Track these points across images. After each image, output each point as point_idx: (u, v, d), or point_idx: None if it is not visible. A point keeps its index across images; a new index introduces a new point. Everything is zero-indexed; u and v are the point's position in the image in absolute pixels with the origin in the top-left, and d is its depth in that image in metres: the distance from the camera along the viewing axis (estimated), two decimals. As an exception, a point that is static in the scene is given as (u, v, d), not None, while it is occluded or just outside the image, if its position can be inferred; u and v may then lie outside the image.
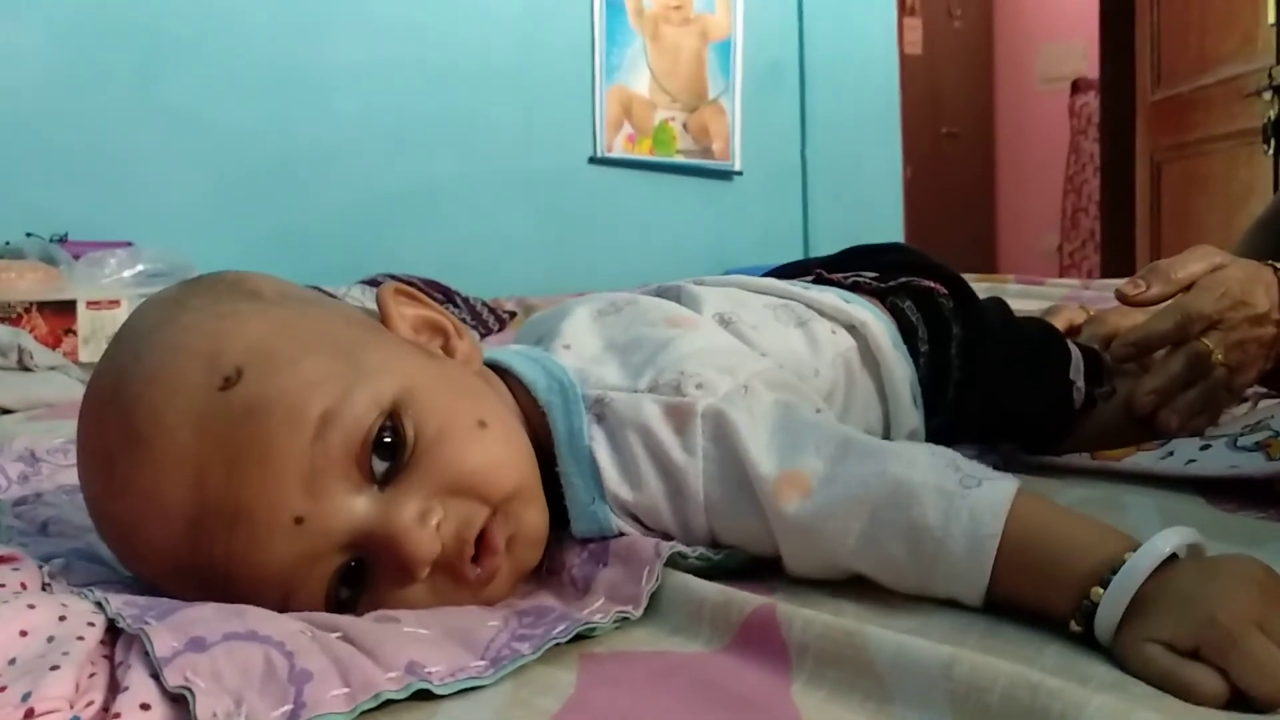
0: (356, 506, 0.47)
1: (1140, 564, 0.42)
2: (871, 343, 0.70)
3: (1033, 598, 0.45)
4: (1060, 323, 0.96)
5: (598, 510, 0.55)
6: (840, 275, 0.78)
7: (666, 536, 0.55)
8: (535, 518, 0.53)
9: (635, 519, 0.56)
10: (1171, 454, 0.71)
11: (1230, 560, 0.43)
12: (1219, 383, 0.80)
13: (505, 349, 0.64)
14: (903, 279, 0.76)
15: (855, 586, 0.51)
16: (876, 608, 0.48)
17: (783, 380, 0.59)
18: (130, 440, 0.47)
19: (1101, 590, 0.42)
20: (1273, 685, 0.38)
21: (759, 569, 0.54)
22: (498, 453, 0.52)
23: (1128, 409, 0.81)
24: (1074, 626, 0.43)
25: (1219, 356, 0.79)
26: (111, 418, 0.48)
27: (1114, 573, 0.42)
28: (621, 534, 0.55)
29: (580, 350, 0.61)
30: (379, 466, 0.48)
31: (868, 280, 0.77)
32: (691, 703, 0.40)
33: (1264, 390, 0.95)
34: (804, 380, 0.63)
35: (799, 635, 0.43)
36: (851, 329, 0.70)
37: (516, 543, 0.52)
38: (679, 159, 3.19)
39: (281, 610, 0.46)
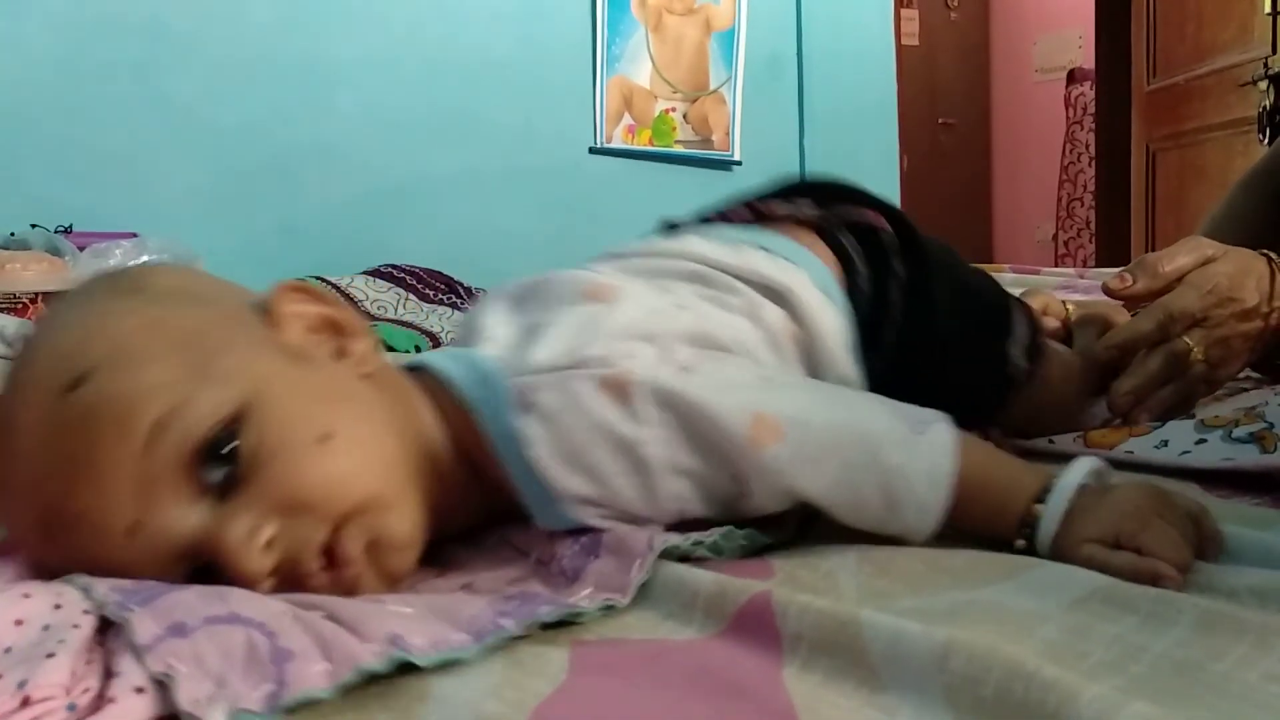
0: (189, 519, 0.47)
1: (1068, 484, 0.52)
2: (799, 309, 0.66)
3: (981, 522, 0.54)
4: (1035, 304, 0.92)
5: (555, 508, 0.54)
6: (775, 203, 0.75)
7: (632, 521, 0.54)
8: (397, 524, 0.51)
9: (597, 507, 0.54)
10: (1166, 443, 0.71)
11: (1124, 483, 0.54)
12: (1195, 379, 0.80)
13: (432, 353, 0.62)
14: (840, 209, 0.73)
15: (854, 567, 0.51)
16: (876, 589, 0.48)
17: (704, 332, 0.60)
18: (2, 430, 0.49)
19: (1041, 507, 0.52)
20: (1175, 552, 0.48)
21: (756, 552, 0.54)
22: (339, 467, 0.50)
23: (1107, 406, 0.81)
24: (1019, 543, 0.52)
25: (1198, 354, 0.79)
26: (2, 403, 0.50)
27: (1048, 493, 0.52)
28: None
29: (503, 342, 0.60)
30: (214, 477, 0.47)
31: (805, 214, 0.74)
32: (682, 689, 0.40)
33: (1256, 376, 0.95)
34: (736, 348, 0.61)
35: (793, 623, 0.43)
36: (780, 297, 0.67)
37: (379, 549, 0.50)
38: (678, 149, 3.17)
39: None
